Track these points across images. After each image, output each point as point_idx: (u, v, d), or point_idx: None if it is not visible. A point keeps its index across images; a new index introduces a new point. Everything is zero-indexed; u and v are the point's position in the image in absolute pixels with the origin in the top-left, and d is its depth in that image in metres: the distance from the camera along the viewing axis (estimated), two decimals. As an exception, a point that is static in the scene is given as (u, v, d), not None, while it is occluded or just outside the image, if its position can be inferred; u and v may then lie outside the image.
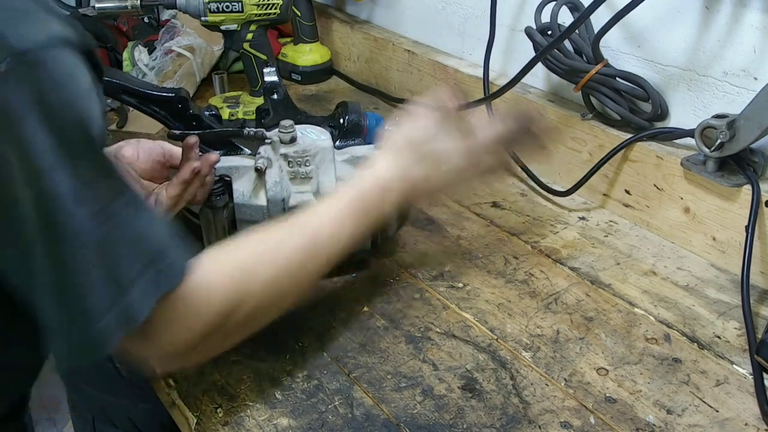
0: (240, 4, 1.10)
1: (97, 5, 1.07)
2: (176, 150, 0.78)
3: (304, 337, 0.75)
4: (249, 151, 0.82)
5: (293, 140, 0.78)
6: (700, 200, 0.85)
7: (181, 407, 0.66)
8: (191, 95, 1.26)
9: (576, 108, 1.00)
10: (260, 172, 0.77)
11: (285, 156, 0.78)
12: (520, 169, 1.04)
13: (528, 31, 0.97)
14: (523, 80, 0.97)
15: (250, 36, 1.15)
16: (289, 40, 1.46)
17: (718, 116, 0.79)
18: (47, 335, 0.50)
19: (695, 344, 0.74)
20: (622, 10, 0.82)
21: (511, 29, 1.10)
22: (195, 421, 0.65)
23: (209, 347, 0.59)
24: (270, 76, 0.92)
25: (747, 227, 0.78)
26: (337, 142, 0.84)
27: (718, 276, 0.84)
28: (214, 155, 0.76)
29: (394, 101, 1.28)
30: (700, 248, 0.87)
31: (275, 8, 1.13)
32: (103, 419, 1.23)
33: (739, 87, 0.82)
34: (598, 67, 0.91)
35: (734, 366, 0.71)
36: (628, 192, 0.94)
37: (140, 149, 0.77)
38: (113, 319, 0.49)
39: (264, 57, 1.17)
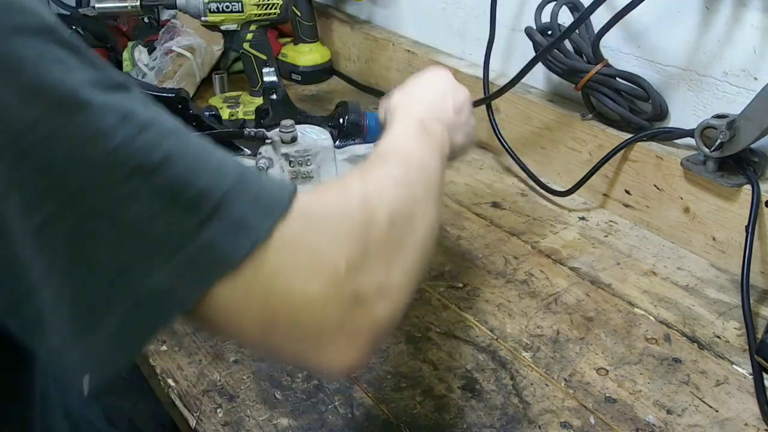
0: (240, 4, 1.11)
1: (97, 5, 1.07)
2: None
3: (304, 337, 0.75)
4: (249, 152, 0.82)
5: (294, 140, 0.78)
6: (700, 200, 0.85)
7: (181, 407, 0.66)
8: (191, 95, 1.26)
9: (576, 108, 1.00)
10: (262, 172, 0.77)
11: (286, 156, 0.78)
12: (520, 168, 1.04)
13: (528, 31, 0.97)
14: (523, 80, 0.97)
15: (250, 36, 1.15)
16: (289, 40, 1.46)
17: (718, 116, 0.79)
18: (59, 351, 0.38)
19: (695, 344, 0.74)
20: (622, 10, 0.82)
21: (511, 29, 1.10)
22: (195, 421, 0.65)
23: (378, 269, 0.44)
24: (269, 76, 0.92)
25: (747, 227, 0.78)
26: (337, 142, 0.84)
27: (718, 276, 0.85)
28: None
29: (394, 101, 1.28)
30: (700, 248, 0.88)
31: (275, 8, 1.13)
32: (103, 419, 1.24)
33: (739, 87, 0.82)
34: (598, 67, 0.91)
35: (734, 366, 0.71)
36: (628, 192, 0.94)
37: None
38: (190, 263, 0.37)
39: (264, 57, 1.17)
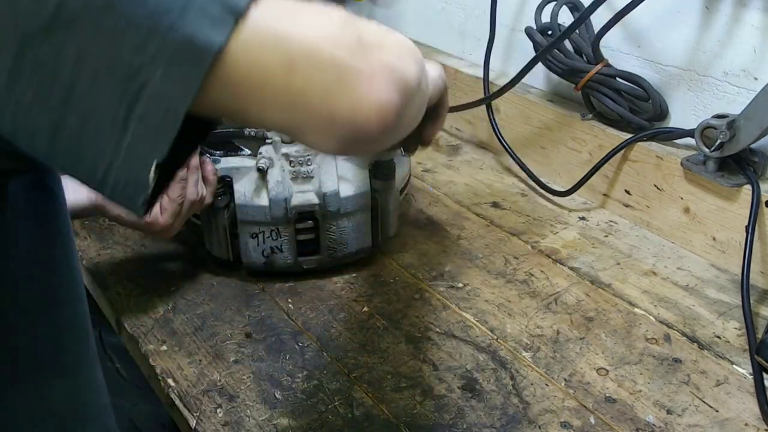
0: (240, 4, 1.10)
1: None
2: None
3: (304, 337, 0.75)
4: (249, 152, 0.82)
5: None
6: (700, 200, 0.85)
7: (181, 407, 0.66)
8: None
9: (576, 108, 1.00)
10: (262, 172, 0.77)
11: (286, 156, 0.78)
12: (520, 168, 1.04)
13: (528, 31, 0.97)
14: (523, 80, 0.97)
15: (250, 36, 1.15)
16: (289, 40, 1.46)
17: (718, 116, 0.79)
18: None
19: (695, 344, 0.74)
20: (622, 10, 0.82)
21: (511, 29, 1.10)
22: (195, 421, 0.65)
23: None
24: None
25: (747, 227, 0.78)
26: (337, 142, 0.84)
27: (718, 276, 0.85)
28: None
29: (394, 101, 1.28)
30: (700, 248, 0.88)
31: (275, 8, 1.13)
32: (130, 427, 1.24)
33: (739, 87, 0.82)
34: (598, 67, 0.91)
35: (734, 366, 0.71)
36: (628, 192, 0.94)
37: None
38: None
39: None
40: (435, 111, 0.65)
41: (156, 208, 0.73)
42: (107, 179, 0.36)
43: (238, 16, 0.36)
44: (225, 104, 0.38)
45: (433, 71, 0.63)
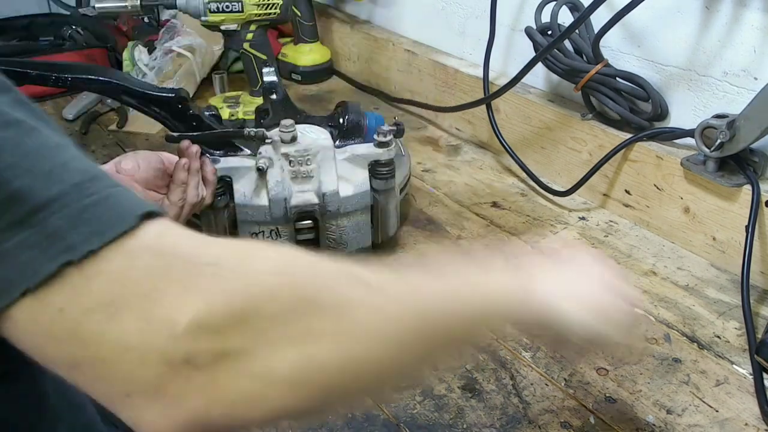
0: (240, 4, 1.11)
1: (97, 5, 1.07)
2: (175, 158, 0.77)
3: (304, 337, 0.75)
4: (249, 152, 0.82)
5: (294, 139, 0.78)
6: (700, 200, 0.85)
7: (182, 407, 0.66)
8: (191, 95, 1.26)
9: (576, 108, 1.00)
10: (262, 172, 0.77)
11: (286, 155, 0.78)
12: (520, 168, 1.04)
13: (528, 31, 0.97)
14: (523, 80, 0.97)
15: (250, 36, 1.15)
16: (289, 40, 1.46)
17: (718, 116, 0.79)
18: None
19: (695, 344, 0.74)
20: (622, 10, 0.82)
21: (511, 29, 1.10)
22: (195, 421, 0.65)
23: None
24: (269, 76, 0.92)
25: (747, 227, 0.78)
26: (337, 142, 0.84)
27: (718, 276, 0.84)
28: (192, 147, 0.74)
29: (394, 101, 1.28)
30: (700, 248, 0.87)
31: (275, 8, 1.13)
32: (103, 419, 1.23)
33: (739, 87, 0.82)
34: (598, 67, 0.91)
35: (734, 366, 0.71)
36: (628, 192, 0.94)
37: (140, 160, 0.76)
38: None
39: (264, 57, 1.17)
40: None
41: None
42: None
43: (26, 288, 0.31)
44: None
45: None
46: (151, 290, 0.32)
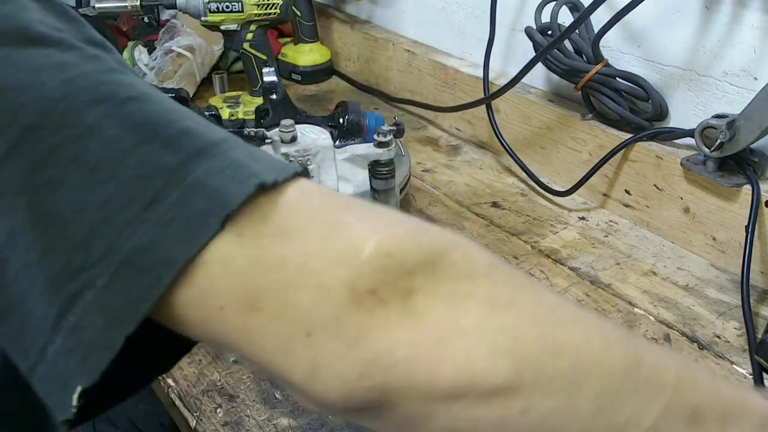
0: (240, 4, 1.10)
1: (97, 5, 1.07)
2: None
3: (304, 337, 0.75)
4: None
5: (294, 139, 0.78)
6: (700, 200, 0.85)
7: (181, 407, 0.66)
8: (191, 95, 1.26)
9: (576, 108, 1.00)
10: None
11: (286, 155, 0.78)
12: (520, 168, 1.04)
13: (528, 31, 0.97)
14: (523, 80, 0.97)
15: (250, 36, 1.15)
16: (289, 40, 1.46)
17: (718, 116, 0.79)
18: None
19: (695, 344, 0.74)
20: (622, 10, 0.82)
21: (511, 29, 1.10)
22: (195, 421, 0.65)
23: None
24: (269, 76, 0.92)
25: (747, 227, 0.78)
26: (337, 142, 0.84)
27: (718, 276, 0.84)
28: None
29: (394, 101, 1.28)
30: (700, 248, 0.88)
31: (275, 8, 1.13)
32: (103, 419, 1.23)
33: (739, 87, 0.82)
34: (598, 67, 0.91)
35: (734, 366, 0.71)
36: (628, 192, 0.94)
37: None
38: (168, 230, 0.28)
39: (264, 57, 1.17)
40: None
41: None
42: (32, 376, 0.29)
43: (226, 215, 0.28)
44: (182, 328, 0.30)
45: None
46: (334, 220, 0.30)
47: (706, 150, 0.81)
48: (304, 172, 0.33)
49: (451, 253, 0.31)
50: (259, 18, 1.14)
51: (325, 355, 0.29)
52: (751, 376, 0.69)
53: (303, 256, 0.29)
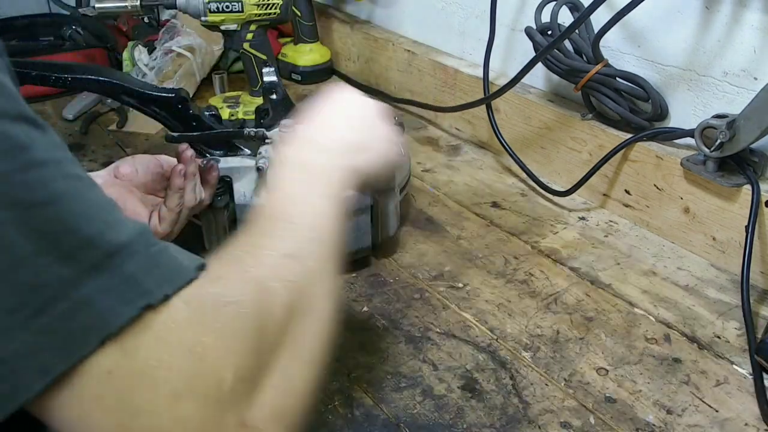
0: (240, 4, 1.10)
1: (97, 5, 1.07)
2: (174, 160, 0.77)
3: (304, 337, 0.75)
4: (249, 152, 0.82)
5: (293, 140, 0.78)
6: (700, 200, 0.85)
7: (181, 407, 0.66)
8: (191, 95, 1.26)
9: (576, 108, 1.00)
10: (262, 172, 0.77)
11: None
12: (520, 168, 1.04)
13: (528, 31, 0.97)
14: (523, 80, 0.97)
15: (250, 36, 1.15)
16: (289, 40, 1.46)
17: (718, 116, 0.79)
18: None
19: (695, 344, 0.74)
20: (622, 10, 0.82)
21: (511, 29, 1.10)
22: (195, 421, 0.65)
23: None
24: (269, 76, 0.92)
25: (747, 227, 0.78)
26: (337, 142, 0.84)
27: (718, 276, 0.84)
28: (188, 150, 0.73)
29: (394, 101, 1.28)
30: (700, 248, 0.88)
31: (275, 8, 1.13)
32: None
33: (739, 87, 0.82)
34: (598, 67, 0.91)
35: (734, 366, 0.71)
36: (628, 192, 0.94)
37: (137, 164, 0.75)
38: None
39: (264, 57, 1.17)
40: None
41: (155, 218, 0.73)
42: None
43: (108, 334, 0.31)
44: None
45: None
46: (200, 345, 0.34)
47: (706, 150, 0.81)
48: (203, 266, 0.37)
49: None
50: (259, 18, 1.14)
51: None
52: (751, 376, 0.69)
53: (169, 383, 0.33)
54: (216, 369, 0.34)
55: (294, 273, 0.42)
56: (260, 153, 0.78)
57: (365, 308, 0.79)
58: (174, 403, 0.33)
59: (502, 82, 1.01)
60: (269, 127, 0.81)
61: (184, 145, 0.74)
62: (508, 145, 1.05)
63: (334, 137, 0.55)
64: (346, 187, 0.54)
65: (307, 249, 0.45)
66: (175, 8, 1.11)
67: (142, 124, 1.19)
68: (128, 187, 0.74)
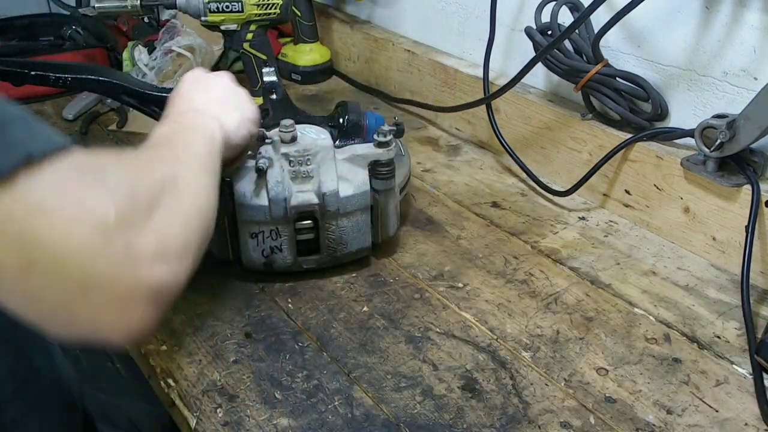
0: (240, 4, 1.10)
1: (97, 5, 1.07)
2: None
3: (303, 337, 0.75)
4: (249, 151, 0.81)
5: (294, 139, 0.78)
6: (700, 200, 0.85)
7: (181, 407, 0.66)
8: (191, 95, 1.26)
9: (576, 108, 1.00)
10: (262, 172, 0.77)
11: (286, 155, 0.78)
12: (520, 168, 1.04)
13: (528, 31, 0.97)
14: (523, 80, 0.97)
15: (250, 36, 1.15)
16: (289, 40, 1.46)
17: (718, 116, 0.79)
18: None
19: (695, 344, 0.74)
20: (622, 10, 0.82)
21: (511, 29, 1.10)
22: (195, 421, 0.65)
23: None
24: (269, 76, 0.92)
25: (747, 227, 0.78)
26: (337, 142, 0.84)
27: (718, 276, 0.85)
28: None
29: (394, 101, 1.28)
30: (700, 248, 0.88)
31: (275, 8, 1.13)
32: (103, 419, 1.23)
33: (739, 87, 0.82)
34: (598, 67, 0.91)
35: (734, 366, 0.71)
36: (628, 192, 0.94)
37: None
38: None
39: (264, 57, 1.17)
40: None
41: None
42: None
43: None
44: None
45: (251, 126, 0.71)
46: (83, 194, 0.39)
47: (706, 150, 0.81)
48: (75, 144, 0.42)
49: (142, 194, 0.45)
50: (259, 18, 1.14)
51: (108, 305, 0.39)
52: (751, 376, 0.69)
53: (67, 233, 0.38)
54: (100, 208, 0.39)
55: (167, 163, 0.51)
56: (260, 153, 0.78)
57: (365, 308, 0.79)
58: (65, 236, 0.37)
59: (502, 82, 1.01)
60: (269, 127, 0.81)
61: None
62: (508, 145, 1.05)
63: (206, 101, 0.68)
64: (216, 137, 0.63)
65: (183, 154, 0.55)
66: (175, 8, 1.11)
67: (142, 124, 1.19)
68: None
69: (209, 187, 0.55)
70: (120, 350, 0.47)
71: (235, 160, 0.74)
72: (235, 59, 1.39)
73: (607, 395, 0.68)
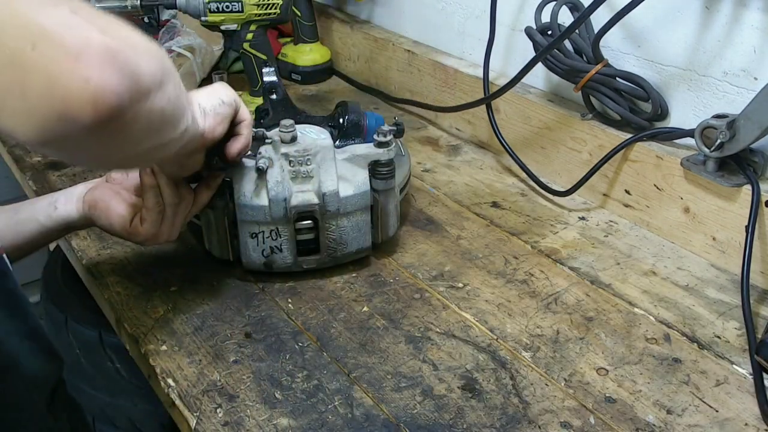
0: (240, 4, 1.11)
1: (96, 5, 1.07)
2: None
3: (303, 337, 0.75)
4: (249, 151, 0.81)
5: (294, 139, 0.78)
6: (700, 200, 0.85)
7: (181, 407, 0.66)
8: (191, 95, 1.26)
9: (576, 108, 1.00)
10: (262, 172, 0.77)
11: (286, 155, 0.78)
12: (520, 168, 1.04)
13: (528, 31, 0.97)
14: (523, 80, 0.97)
15: (250, 36, 1.15)
16: (289, 40, 1.46)
17: (718, 116, 0.79)
18: None
19: (695, 344, 0.74)
20: (622, 10, 0.82)
21: (511, 29, 1.10)
22: (195, 421, 0.65)
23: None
24: (269, 76, 0.92)
25: (747, 227, 0.78)
26: (337, 142, 0.84)
27: (718, 276, 0.85)
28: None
29: (394, 101, 1.28)
30: (700, 248, 0.88)
31: (275, 8, 1.13)
32: (103, 419, 1.24)
33: (739, 87, 0.82)
34: (598, 67, 0.91)
35: (734, 366, 0.71)
36: (628, 192, 0.94)
37: None
38: None
39: (264, 57, 1.17)
40: (234, 129, 0.71)
41: (137, 219, 0.73)
42: None
43: None
44: None
45: (223, 94, 0.71)
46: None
47: (706, 150, 0.81)
48: None
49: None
50: (259, 18, 1.14)
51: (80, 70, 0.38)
52: (751, 376, 0.69)
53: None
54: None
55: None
56: (260, 153, 0.78)
57: (365, 308, 0.79)
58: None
59: (502, 82, 1.01)
60: (269, 127, 0.81)
61: None
62: (508, 145, 1.05)
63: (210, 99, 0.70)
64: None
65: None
66: (175, 8, 1.11)
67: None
68: (116, 189, 0.75)
69: (174, 87, 0.50)
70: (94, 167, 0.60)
71: (224, 142, 0.71)
72: (235, 59, 1.40)
73: (607, 395, 0.68)
